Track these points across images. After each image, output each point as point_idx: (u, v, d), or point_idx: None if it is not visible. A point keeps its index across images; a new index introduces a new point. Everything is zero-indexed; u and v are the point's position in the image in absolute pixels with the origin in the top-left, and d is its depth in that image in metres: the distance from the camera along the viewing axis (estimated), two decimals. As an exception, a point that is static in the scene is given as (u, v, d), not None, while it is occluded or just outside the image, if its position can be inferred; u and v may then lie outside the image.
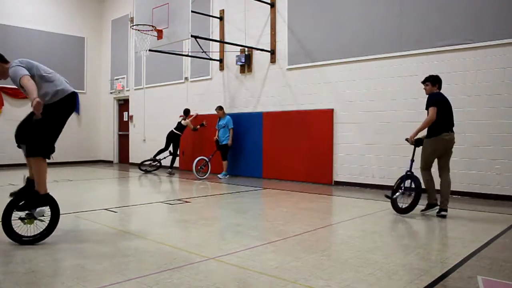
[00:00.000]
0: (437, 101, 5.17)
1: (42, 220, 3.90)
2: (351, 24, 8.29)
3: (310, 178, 8.91)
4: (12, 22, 13.17)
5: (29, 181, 4.01)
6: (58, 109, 3.96)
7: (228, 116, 9.94)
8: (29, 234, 3.84)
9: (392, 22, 7.72)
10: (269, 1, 9.66)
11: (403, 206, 5.33)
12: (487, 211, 5.69)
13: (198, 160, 9.82)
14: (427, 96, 5.41)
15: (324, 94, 8.75)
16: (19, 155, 14.83)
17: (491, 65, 6.65)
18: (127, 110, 14.38)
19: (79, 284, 2.82)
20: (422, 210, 5.40)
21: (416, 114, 7.27)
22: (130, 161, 13.93)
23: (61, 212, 5.40)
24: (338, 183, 8.50)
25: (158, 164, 11.29)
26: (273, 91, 9.75)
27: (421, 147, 5.37)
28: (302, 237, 4.19)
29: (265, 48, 9.72)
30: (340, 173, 8.50)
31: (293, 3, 9.26)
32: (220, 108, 10.00)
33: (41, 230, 3.87)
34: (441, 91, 5.50)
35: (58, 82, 4.06)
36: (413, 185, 5.27)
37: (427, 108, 5.26)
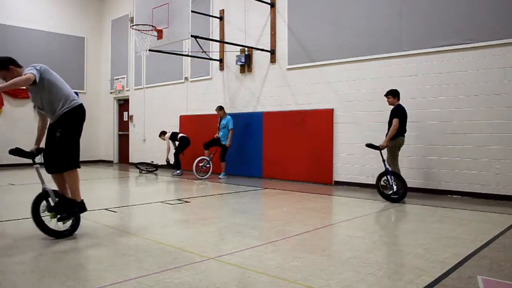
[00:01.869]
0: (400, 112, 6.62)
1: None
2: (351, 24, 8.29)
3: (310, 178, 8.91)
4: (12, 22, 13.17)
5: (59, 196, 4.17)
6: (74, 116, 4.11)
7: (228, 116, 9.91)
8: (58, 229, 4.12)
9: (392, 22, 7.72)
10: (269, 1, 9.66)
11: (395, 196, 6.41)
12: (487, 211, 5.69)
13: (199, 160, 9.80)
14: (392, 107, 6.74)
15: (324, 94, 8.75)
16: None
17: (491, 65, 6.65)
18: (127, 110, 14.38)
19: (79, 284, 2.82)
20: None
21: (416, 114, 7.28)
22: (130, 161, 13.93)
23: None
24: (338, 183, 8.50)
25: (155, 168, 11.34)
26: (273, 91, 9.75)
27: (386, 148, 6.61)
28: (302, 237, 4.19)
29: (265, 48, 9.73)
30: (340, 173, 8.51)
31: (293, 3, 9.26)
32: (220, 108, 9.95)
33: (68, 227, 4.17)
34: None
35: (69, 91, 4.18)
36: (393, 180, 6.41)
37: (392, 119, 6.61)
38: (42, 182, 4.11)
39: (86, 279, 2.92)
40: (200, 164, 9.75)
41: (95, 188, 8.47)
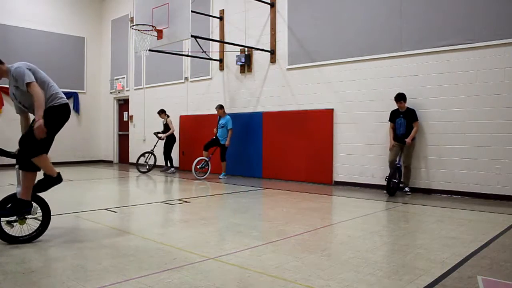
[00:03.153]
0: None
1: (37, 219, 4.01)
2: (351, 24, 8.29)
3: (310, 178, 8.91)
4: (12, 22, 13.17)
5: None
6: (57, 113, 4.03)
7: (228, 116, 9.91)
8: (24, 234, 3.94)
9: (392, 22, 7.72)
10: (269, 1, 9.66)
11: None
12: (487, 211, 5.69)
13: (198, 161, 9.80)
14: (411, 110, 7.21)
15: (324, 94, 8.75)
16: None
17: (491, 65, 6.65)
18: (127, 110, 14.38)
19: (79, 284, 2.82)
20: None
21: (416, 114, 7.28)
22: (130, 161, 13.92)
23: (61, 212, 5.42)
24: (338, 183, 8.50)
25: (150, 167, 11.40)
26: (273, 91, 9.74)
27: (406, 146, 7.19)
28: (302, 237, 4.19)
29: (265, 48, 9.72)
30: (340, 173, 8.50)
31: (293, 3, 9.26)
32: (220, 107, 9.94)
33: (36, 228, 3.99)
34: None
35: (58, 89, 4.15)
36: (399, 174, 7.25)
37: (411, 121, 7.16)
38: (18, 183, 3.98)
39: (86, 279, 2.92)
40: (198, 166, 9.75)
41: (95, 188, 8.47)
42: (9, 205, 3.90)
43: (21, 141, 3.87)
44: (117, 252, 3.68)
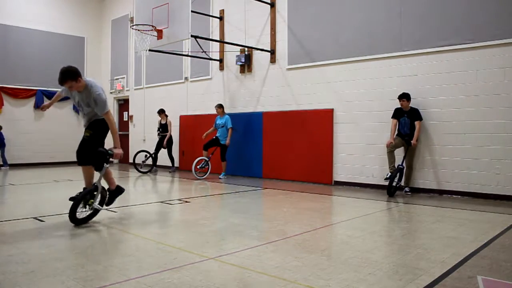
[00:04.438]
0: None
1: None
2: (351, 24, 8.29)
3: (310, 178, 8.91)
4: (12, 22, 13.18)
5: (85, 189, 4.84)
6: (104, 124, 4.78)
7: (226, 115, 9.89)
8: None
9: (392, 22, 7.72)
10: (269, 1, 9.66)
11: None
12: (487, 211, 5.69)
13: (198, 161, 9.80)
14: (414, 109, 7.19)
15: (324, 94, 8.75)
16: (18, 155, 14.79)
17: (491, 65, 6.65)
18: (127, 110, 14.38)
19: (79, 284, 2.82)
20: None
21: (416, 114, 7.28)
22: (130, 161, 13.91)
23: (61, 212, 5.43)
24: (338, 183, 8.50)
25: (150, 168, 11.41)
26: (273, 91, 9.75)
27: (411, 147, 7.19)
28: (302, 237, 4.19)
29: (265, 48, 9.73)
30: (340, 173, 8.51)
31: (293, 3, 9.26)
32: (219, 106, 9.92)
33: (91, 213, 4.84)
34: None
35: None
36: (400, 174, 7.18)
37: (413, 120, 7.13)
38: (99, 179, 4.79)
39: (86, 279, 2.92)
40: (198, 166, 9.76)
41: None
42: (108, 194, 5.00)
43: (85, 156, 4.77)
44: (117, 252, 3.68)
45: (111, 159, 4.78)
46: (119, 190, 5.17)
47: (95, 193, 4.78)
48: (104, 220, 5.02)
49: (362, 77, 8.15)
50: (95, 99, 4.54)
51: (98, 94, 4.54)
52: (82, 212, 4.73)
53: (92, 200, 4.75)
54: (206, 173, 9.82)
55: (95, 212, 4.87)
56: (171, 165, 11.43)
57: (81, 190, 4.81)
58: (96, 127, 4.73)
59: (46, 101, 13.82)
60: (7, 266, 3.23)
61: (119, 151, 4.61)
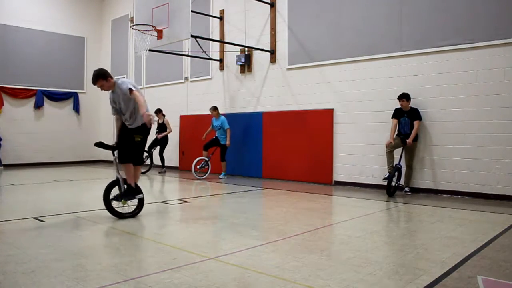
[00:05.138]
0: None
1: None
2: (351, 24, 8.29)
3: (310, 178, 8.91)
4: (12, 22, 13.18)
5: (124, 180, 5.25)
6: (148, 128, 5.21)
7: (222, 117, 9.85)
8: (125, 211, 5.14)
9: (392, 22, 7.72)
10: (269, 1, 9.66)
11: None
12: (487, 211, 5.69)
13: (197, 161, 9.80)
14: (414, 109, 7.19)
15: (324, 94, 8.75)
16: (18, 155, 14.77)
17: (491, 65, 6.65)
18: (127, 110, 14.35)
19: (79, 284, 2.82)
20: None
21: (416, 114, 7.28)
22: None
23: (61, 212, 5.43)
24: (338, 183, 8.50)
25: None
26: (273, 91, 9.75)
27: (407, 146, 7.14)
28: (302, 237, 4.19)
29: (265, 48, 9.73)
30: (340, 173, 8.51)
31: (293, 3, 9.26)
32: (214, 108, 9.87)
33: (133, 209, 5.23)
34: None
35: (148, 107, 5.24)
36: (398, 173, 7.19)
37: (413, 119, 7.12)
38: (118, 171, 5.15)
39: (86, 279, 2.92)
40: (198, 166, 9.75)
41: (95, 188, 8.45)
42: (125, 189, 5.20)
43: (125, 150, 5.21)
44: (117, 252, 3.68)
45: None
46: (136, 190, 5.39)
47: (124, 189, 5.21)
48: (104, 220, 5.02)
49: (362, 77, 8.15)
50: (121, 89, 5.00)
51: (121, 82, 5.03)
52: (124, 208, 5.18)
53: (123, 200, 5.16)
54: (206, 173, 9.81)
55: (141, 202, 5.32)
56: (161, 165, 11.35)
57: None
58: (144, 133, 5.25)
59: (46, 101, 13.85)
60: (7, 266, 3.23)
61: (147, 113, 4.79)
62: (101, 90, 5.15)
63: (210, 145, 9.83)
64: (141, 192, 5.31)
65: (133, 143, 5.19)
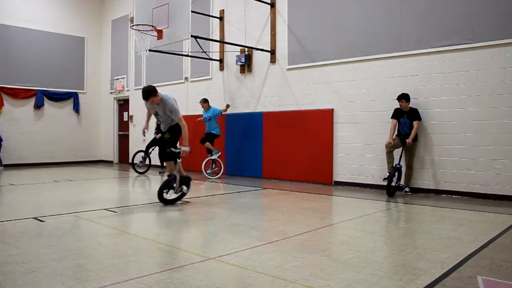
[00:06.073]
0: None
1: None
2: (351, 24, 8.29)
3: (310, 178, 8.91)
4: (12, 22, 13.18)
5: (169, 175, 6.15)
6: (178, 128, 5.99)
7: (212, 107, 9.91)
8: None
9: (392, 22, 7.72)
10: (269, 1, 9.66)
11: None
12: (487, 211, 5.69)
13: (205, 163, 9.83)
14: (414, 109, 7.18)
15: (324, 94, 8.75)
16: (18, 155, 14.77)
17: (491, 65, 6.65)
18: (127, 110, 14.38)
19: (79, 284, 2.82)
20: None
21: (416, 114, 7.28)
22: (130, 161, 13.91)
23: (61, 212, 5.43)
24: (338, 183, 8.50)
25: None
26: (273, 91, 9.75)
27: (407, 146, 7.12)
28: (302, 237, 4.18)
29: (265, 48, 9.73)
30: (340, 173, 8.51)
31: (293, 3, 9.26)
32: (204, 101, 9.90)
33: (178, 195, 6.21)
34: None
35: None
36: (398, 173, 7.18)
37: (412, 119, 7.12)
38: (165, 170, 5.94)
39: (86, 279, 2.92)
40: (207, 171, 9.81)
41: (95, 188, 8.47)
42: (178, 180, 6.11)
43: (162, 151, 6.21)
44: (117, 252, 3.68)
45: (180, 155, 5.93)
46: (187, 178, 6.29)
47: (175, 182, 6.10)
48: (104, 220, 5.02)
49: (362, 77, 8.15)
50: (170, 109, 5.80)
51: (172, 105, 5.80)
52: (170, 195, 6.10)
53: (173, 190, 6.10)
54: (218, 173, 9.88)
55: (183, 194, 6.23)
56: (161, 165, 11.31)
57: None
58: (173, 131, 6.04)
59: (46, 101, 13.85)
60: (7, 266, 3.23)
61: (186, 148, 5.80)
62: (150, 105, 5.86)
63: (205, 140, 9.86)
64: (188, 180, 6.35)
65: (164, 142, 6.09)
